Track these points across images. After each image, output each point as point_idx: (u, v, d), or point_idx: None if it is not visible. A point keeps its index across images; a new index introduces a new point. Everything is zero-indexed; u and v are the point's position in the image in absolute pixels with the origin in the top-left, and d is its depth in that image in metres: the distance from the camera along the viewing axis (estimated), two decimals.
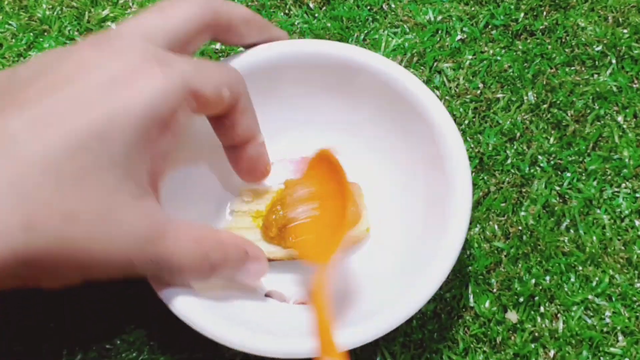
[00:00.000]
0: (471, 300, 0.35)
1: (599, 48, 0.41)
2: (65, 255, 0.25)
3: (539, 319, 0.35)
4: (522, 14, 0.42)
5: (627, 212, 0.37)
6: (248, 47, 0.35)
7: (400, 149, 0.36)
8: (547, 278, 0.35)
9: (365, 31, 0.42)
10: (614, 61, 0.41)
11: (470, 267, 0.36)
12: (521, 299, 0.35)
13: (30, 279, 0.26)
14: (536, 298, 0.35)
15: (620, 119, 0.40)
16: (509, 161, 0.38)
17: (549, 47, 0.42)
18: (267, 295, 0.34)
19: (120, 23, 0.29)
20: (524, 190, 0.38)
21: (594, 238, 0.36)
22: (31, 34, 0.42)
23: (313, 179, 0.34)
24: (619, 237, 0.37)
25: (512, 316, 0.35)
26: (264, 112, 0.36)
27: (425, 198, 0.34)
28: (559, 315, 0.35)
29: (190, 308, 0.29)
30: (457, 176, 0.32)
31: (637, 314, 0.35)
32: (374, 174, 0.37)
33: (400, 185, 0.36)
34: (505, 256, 0.36)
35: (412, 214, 0.35)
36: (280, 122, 0.37)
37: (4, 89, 0.26)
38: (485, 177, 0.38)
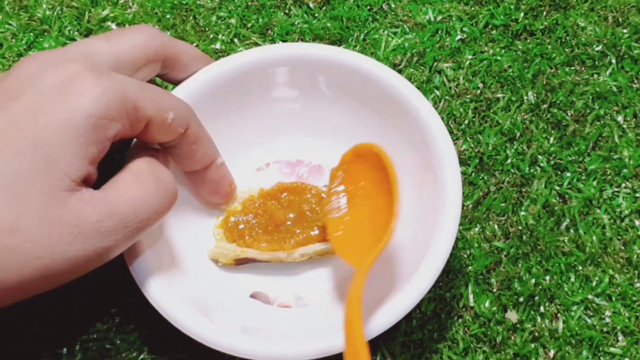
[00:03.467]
0: (471, 300, 0.35)
1: (599, 48, 0.41)
2: (13, 269, 0.25)
3: (538, 319, 0.35)
4: (522, 14, 0.42)
5: (627, 212, 0.37)
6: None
7: (392, 155, 0.36)
8: (547, 278, 0.35)
9: (365, 31, 0.42)
10: (613, 61, 0.41)
11: (470, 267, 0.36)
12: (521, 299, 0.35)
13: None
14: (536, 298, 0.35)
15: (620, 118, 0.40)
16: (508, 161, 0.38)
17: (549, 47, 0.41)
18: (252, 296, 0.35)
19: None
20: (523, 190, 0.38)
21: (594, 238, 0.36)
22: (31, 34, 0.42)
23: (352, 174, 0.33)
24: (619, 237, 0.37)
25: (512, 316, 0.35)
26: (259, 115, 0.37)
27: (416, 206, 0.34)
28: (558, 315, 0.35)
29: (171, 305, 0.30)
30: (448, 183, 0.32)
31: (637, 314, 0.35)
32: None
33: None
34: (505, 256, 0.36)
35: (401, 220, 0.35)
36: (275, 125, 0.37)
37: None
38: (485, 177, 0.38)
